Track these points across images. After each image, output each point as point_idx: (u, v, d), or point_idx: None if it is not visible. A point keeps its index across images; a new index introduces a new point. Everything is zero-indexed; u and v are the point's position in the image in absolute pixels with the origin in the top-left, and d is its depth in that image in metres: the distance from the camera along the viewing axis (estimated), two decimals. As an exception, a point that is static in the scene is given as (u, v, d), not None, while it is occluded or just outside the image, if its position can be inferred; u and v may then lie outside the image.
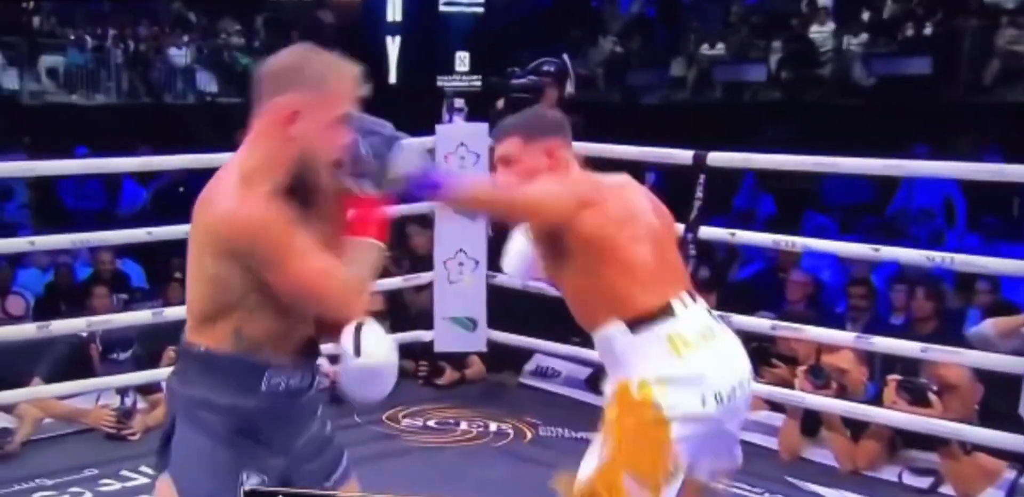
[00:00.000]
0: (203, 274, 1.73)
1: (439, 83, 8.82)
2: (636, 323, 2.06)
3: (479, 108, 4.62)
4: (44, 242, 4.09)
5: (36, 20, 12.78)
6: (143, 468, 3.38)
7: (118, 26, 12.67)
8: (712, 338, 2.10)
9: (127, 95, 11.98)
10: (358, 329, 1.78)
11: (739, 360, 2.16)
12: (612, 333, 2.08)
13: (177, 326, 4.19)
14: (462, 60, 9.37)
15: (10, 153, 7.85)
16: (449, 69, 9.26)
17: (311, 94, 1.68)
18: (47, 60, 11.91)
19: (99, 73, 11.97)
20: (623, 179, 2.22)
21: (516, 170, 2.15)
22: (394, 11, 10.73)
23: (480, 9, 10.23)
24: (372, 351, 1.77)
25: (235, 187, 1.67)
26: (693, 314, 2.10)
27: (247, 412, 1.74)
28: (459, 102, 4.62)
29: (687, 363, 2.05)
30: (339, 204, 1.80)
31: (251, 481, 1.72)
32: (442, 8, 10.20)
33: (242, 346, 1.73)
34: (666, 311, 2.07)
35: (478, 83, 8.91)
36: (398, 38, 10.72)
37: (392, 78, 10.59)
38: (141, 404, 3.89)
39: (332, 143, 1.72)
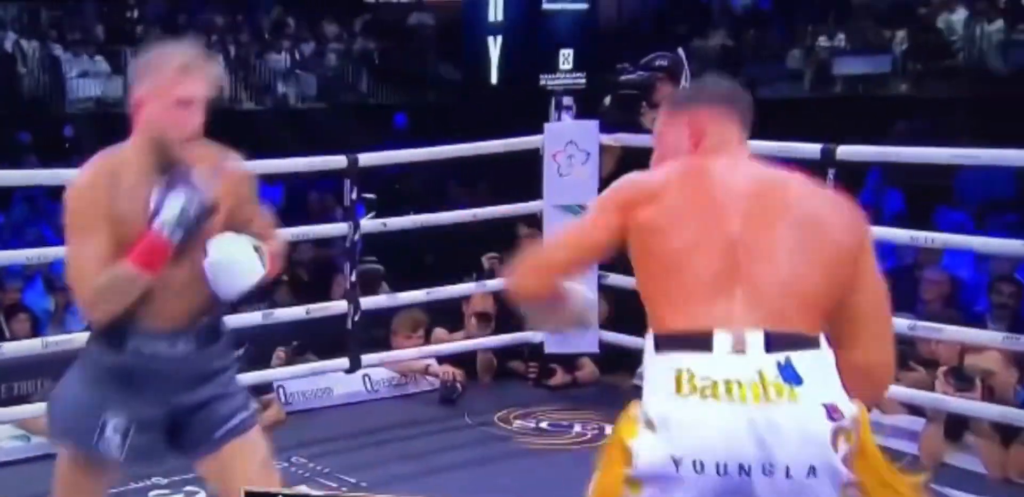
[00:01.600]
0: None
1: (542, 82, 8.87)
2: (662, 341, 1.73)
3: (585, 106, 4.63)
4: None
5: (139, 28, 13.33)
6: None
7: (219, 32, 13.12)
8: (742, 396, 1.63)
9: (229, 100, 12.36)
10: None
11: (777, 443, 1.63)
12: (646, 343, 1.78)
13: (286, 328, 4.23)
14: (566, 58, 9.39)
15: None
16: (552, 67, 9.29)
17: (147, 84, 2.05)
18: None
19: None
20: (732, 168, 1.85)
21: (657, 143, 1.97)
22: (495, 11, 10.82)
23: (584, 6, 10.25)
24: (214, 253, 2.07)
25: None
26: (744, 362, 1.65)
27: (113, 365, 2.12)
28: (568, 100, 4.63)
29: (682, 409, 1.66)
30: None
31: (113, 421, 2.11)
32: (545, 6, 10.25)
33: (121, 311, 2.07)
34: (698, 340, 1.67)
35: (582, 81, 8.93)
36: (499, 38, 10.81)
37: (493, 78, 10.69)
38: (253, 404, 3.98)
39: (176, 124, 2.04)
